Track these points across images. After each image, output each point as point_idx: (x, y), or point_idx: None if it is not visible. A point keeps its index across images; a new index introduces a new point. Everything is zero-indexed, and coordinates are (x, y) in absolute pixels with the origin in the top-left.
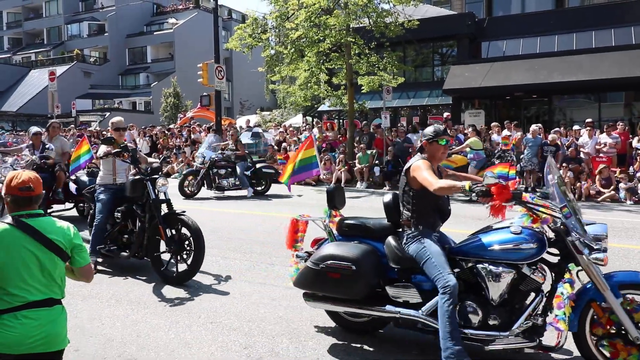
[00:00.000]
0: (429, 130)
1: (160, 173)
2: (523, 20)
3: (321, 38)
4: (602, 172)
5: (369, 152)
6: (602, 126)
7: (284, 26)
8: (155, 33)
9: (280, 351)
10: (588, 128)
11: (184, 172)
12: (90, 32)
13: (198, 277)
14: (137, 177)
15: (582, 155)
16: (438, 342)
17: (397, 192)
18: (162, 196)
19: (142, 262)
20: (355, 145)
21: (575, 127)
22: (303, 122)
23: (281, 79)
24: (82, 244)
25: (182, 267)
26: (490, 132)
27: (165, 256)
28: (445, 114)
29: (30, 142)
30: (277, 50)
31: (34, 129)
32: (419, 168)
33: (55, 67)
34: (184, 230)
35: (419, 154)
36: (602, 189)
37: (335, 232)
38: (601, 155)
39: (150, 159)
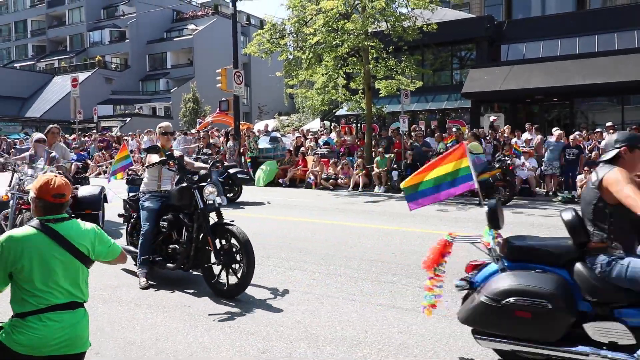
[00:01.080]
0: (625, 135)
1: (208, 180)
2: (543, 23)
3: (339, 43)
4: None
5: (387, 156)
6: (625, 129)
7: (302, 31)
8: (175, 39)
9: (298, 356)
10: (610, 131)
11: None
12: (111, 39)
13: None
14: (184, 184)
15: None
16: None
17: (576, 207)
18: (210, 204)
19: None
20: (373, 149)
21: (597, 129)
22: (321, 127)
23: (299, 84)
24: (106, 238)
25: (232, 279)
26: (505, 135)
27: (216, 268)
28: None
29: (33, 150)
30: (295, 55)
31: (37, 135)
32: (618, 181)
33: (77, 74)
34: (233, 241)
35: (606, 164)
36: None
37: (499, 255)
38: None
39: (197, 164)
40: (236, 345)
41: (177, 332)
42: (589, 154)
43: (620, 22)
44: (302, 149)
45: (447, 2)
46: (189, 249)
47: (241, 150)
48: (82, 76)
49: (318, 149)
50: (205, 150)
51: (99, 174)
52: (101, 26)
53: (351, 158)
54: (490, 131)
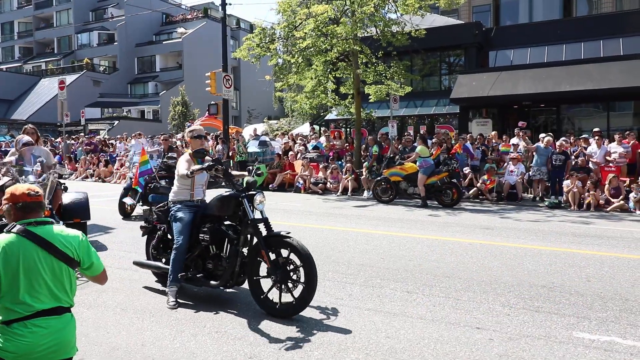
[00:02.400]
0: None
1: (253, 188)
2: (531, 30)
3: (329, 47)
4: (612, 182)
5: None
6: (610, 135)
7: (293, 35)
8: (164, 42)
9: None
10: (596, 137)
11: (124, 187)
12: (100, 42)
13: (203, 287)
14: (228, 193)
15: (590, 164)
16: None
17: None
18: (258, 215)
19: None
20: (362, 154)
21: (583, 135)
22: (310, 131)
23: (288, 87)
24: (92, 251)
25: (285, 297)
26: (493, 141)
27: (265, 282)
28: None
29: (18, 154)
30: (285, 60)
31: (24, 138)
32: None
33: (65, 76)
34: (292, 256)
35: None
36: (611, 199)
37: None
38: (610, 164)
39: (237, 172)
40: (223, 351)
41: (163, 338)
42: (575, 160)
43: (606, 29)
44: (290, 153)
45: (436, 8)
46: (234, 264)
47: (230, 154)
48: (69, 78)
49: (307, 153)
50: (170, 154)
51: (86, 177)
52: (89, 28)
53: (340, 162)
54: (478, 136)
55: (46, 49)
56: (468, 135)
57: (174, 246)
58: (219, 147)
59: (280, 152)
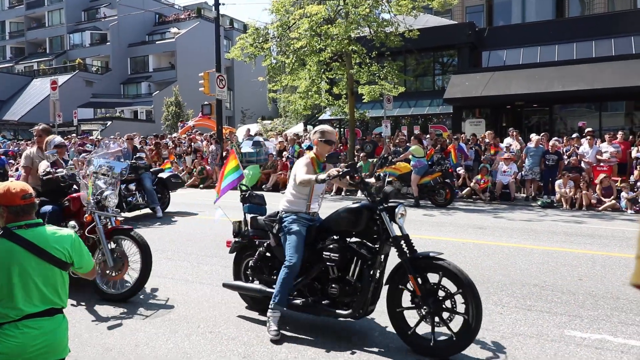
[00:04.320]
0: None
1: (388, 200)
2: (523, 30)
3: (322, 47)
4: (603, 182)
5: (370, 160)
6: (602, 135)
7: (286, 35)
8: (157, 42)
9: None
10: (588, 137)
11: None
12: (92, 42)
13: (196, 286)
14: (360, 204)
15: (582, 164)
16: None
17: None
18: (397, 231)
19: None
20: (356, 154)
21: (574, 135)
22: (304, 131)
23: (282, 88)
24: (85, 251)
25: (439, 329)
26: (487, 141)
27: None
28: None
29: (52, 157)
30: (279, 60)
31: (56, 139)
32: None
33: (57, 76)
34: (445, 281)
35: None
36: (602, 198)
37: None
38: (602, 164)
39: (370, 180)
40: (217, 351)
41: (157, 338)
42: (568, 159)
43: (598, 30)
44: (284, 153)
45: (429, 9)
46: (367, 290)
47: (223, 154)
48: (61, 79)
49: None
50: (139, 154)
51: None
52: (81, 28)
53: None
54: (472, 136)
55: (38, 49)
56: (462, 135)
57: (286, 264)
58: (213, 147)
59: (274, 153)
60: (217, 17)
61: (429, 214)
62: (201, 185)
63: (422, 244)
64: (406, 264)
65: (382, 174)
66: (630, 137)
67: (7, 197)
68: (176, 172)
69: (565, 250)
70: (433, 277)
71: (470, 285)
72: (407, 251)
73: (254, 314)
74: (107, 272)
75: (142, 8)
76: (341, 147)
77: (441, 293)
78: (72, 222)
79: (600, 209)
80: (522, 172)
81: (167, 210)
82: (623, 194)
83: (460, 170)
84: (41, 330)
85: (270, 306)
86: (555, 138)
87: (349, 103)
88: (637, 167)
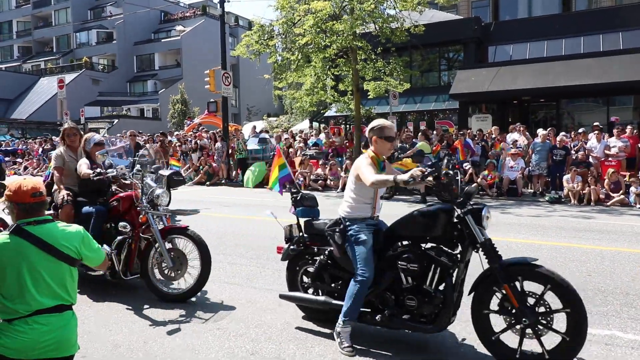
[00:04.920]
0: None
1: (470, 200)
2: (530, 24)
3: (328, 44)
4: (611, 177)
5: None
6: (610, 130)
7: (292, 32)
8: (162, 40)
9: (287, 356)
10: (596, 132)
11: None
12: (98, 40)
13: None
14: (438, 206)
15: (590, 159)
16: None
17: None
18: (479, 237)
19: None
20: (362, 150)
21: (580, 130)
22: (309, 128)
23: (287, 85)
24: (94, 245)
25: (529, 341)
26: (493, 136)
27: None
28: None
29: (88, 155)
30: (284, 57)
31: (95, 137)
32: None
33: (64, 75)
34: (549, 296)
35: None
36: (611, 193)
37: None
38: (610, 159)
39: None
40: (225, 347)
41: (165, 335)
42: (576, 154)
43: (605, 24)
44: (291, 150)
45: (434, 4)
46: (451, 301)
47: (229, 152)
48: (68, 77)
49: (307, 150)
50: (142, 152)
51: None
52: (88, 27)
53: (340, 159)
54: (478, 132)
55: (45, 48)
56: (468, 131)
57: (359, 279)
58: (218, 144)
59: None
60: (222, 14)
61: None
62: (207, 183)
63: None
64: (498, 272)
65: (450, 172)
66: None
67: (18, 194)
68: (179, 170)
69: (573, 245)
70: (528, 285)
71: (581, 304)
72: (491, 257)
73: (260, 311)
74: (166, 272)
75: (148, 6)
76: (347, 144)
77: (541, 307)
78: (123, 223)
79: (608, 204)
80: (530, 168)
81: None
82: (632, 188)
83: (467, 166)
84: (50, 327)
85: (339, 322)
86: (563, 133)
87: (354, 99)
88: None
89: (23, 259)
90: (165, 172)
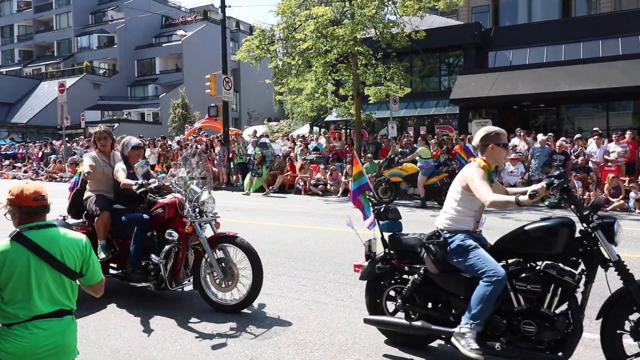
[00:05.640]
0: None
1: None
2: (530, 30)
3: (328, 49)
4: (611, 182)
5: (376, 161)
6: (610, 135)
7: (293, 37)
8: (163, 45)
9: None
10: (595, 137)
11: None
12: (99, 44)
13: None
14: (559, 221)
15: (590, 164)
16: None
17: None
18: (612, 255)
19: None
20: (362, 155)
21: (577, 135)
22: (310, 133)
23: (288, 90)
24: (94, 259)
25: None
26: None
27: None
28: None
29: (124, 161)
30: (285, 62)
31: (133, 140)
32: None
33: (64, 79)
34: None
35: None
36: (611, 198)
37: None
38: (610, 164)
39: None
40: (224, 352)
41: (164, 340)
42: (576, 160)
43: (605, 29)
44: (291, 154)
45: (435, 10)
46: (580, 327)
47: (230, 156)
48: (69, 82)
49: (307, 154)
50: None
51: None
52: (89, 31)
53: (340, 164)
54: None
55: (46, 52)
56: (468, 136)
57: (492, 279)
58: (218, 149)
59: (281, 154)
60: (223, 19)
61: (436, 215)
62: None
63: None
64: (636, 293)
65: (555, 181)
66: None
67: (21, 198)
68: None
69: None
70: None
71: None
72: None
73: (254, 313)
74: (218, 283)
75: (149, 11)
76: (347, 149)
77: None
78: (170, 231)
79: (608, 209)
80: (529, 173)
81: None
82: (632, 194)
83: None
84: (50, 332)
85: (465, 325)
86: (563, 138)
87: (355, 104)
88: None
89: (24, 266)
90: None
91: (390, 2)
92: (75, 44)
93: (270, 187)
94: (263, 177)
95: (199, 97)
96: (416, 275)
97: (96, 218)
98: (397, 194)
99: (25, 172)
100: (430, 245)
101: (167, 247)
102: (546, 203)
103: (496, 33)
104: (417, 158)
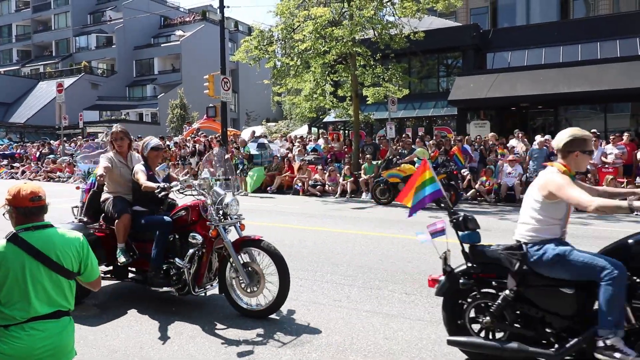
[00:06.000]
0: None
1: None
2: (528, 32)
3: (327, 49)
4: (609, 184)
5: (374, 162)
6: (608, 137)
7: (291, 37)
8: (162, 45)
9: None
10: (593, 139)
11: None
12: (98, 44)
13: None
14: None
15: (588, 166)
16: None
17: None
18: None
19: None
20: (361, 156)
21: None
22: (308, 133)
23: (287, 91)
24: (91, 258)
25: None
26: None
27: None
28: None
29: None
30: (283, 62)
31: (153, 141)
32: None
33: (63, 79)
34: None
35: None
36: None
37: None
38: (607, 166)
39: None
40: (222, 352)
41: (162, 340)
42: None
43: (603, 31)
44: (289, 155)
45: (434, 11)
46: None
47: (229, 157)
48: (67, 81)
49: (305, 155)
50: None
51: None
52: (87, 31)
53: (338, 165)
54: (477, 137)
55: (44, 52)
56: (466, 137)
57: (612, 277)
58: (216, 149)
59: (279, 155)
60: (222, 19)
61: (434, 216)
62: None
63: (426, 245)
64: None
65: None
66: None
67: (17, 198)
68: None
69: None
70: None
71: None
72: None
73: (248, 319)
74: (243, 288)
75: (148, 11)
76: (345, 149)
77: None
78: (194, 234)
79: None
80: (527, 174)
81: None
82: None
83: (466, 172)
84: (47, 333)
85: (606, 336)
86: None
87: (353, 105)
88: None
89: (20, 267)
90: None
91: (389, 4)
92: (74, 44)
93: (269, 188)
94: (254, 176)
95: (197, 98)
96: (508, 291)
97: (116, 221)
98: (395, 195)
99: (23, 172)
100: (511, 259)
101: (191, 250)
102: None
103: (494, 34)
104: (415, 159)
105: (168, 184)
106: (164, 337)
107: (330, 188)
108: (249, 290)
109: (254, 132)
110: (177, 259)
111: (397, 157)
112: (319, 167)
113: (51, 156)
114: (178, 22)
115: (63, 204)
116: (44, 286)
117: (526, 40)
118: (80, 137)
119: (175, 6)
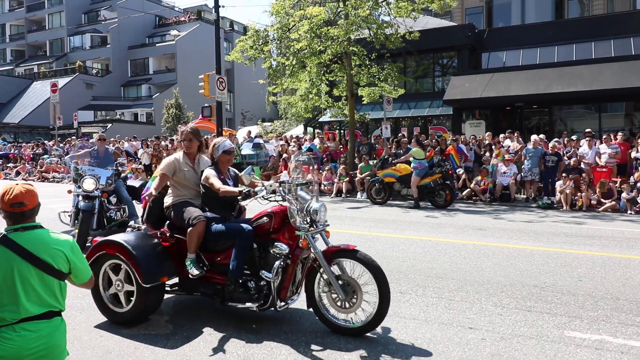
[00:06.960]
0: None
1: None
2: (523, 31)
3: (322, 49)
4: (603, 186)
5: (371, 162)
6: (602, 136)
7: (287, 37)
8: (157, 45)
9: None
10: (587, 138)
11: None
12: (92, 44)
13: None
14: None
15: (582, 165)
16: None
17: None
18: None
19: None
20: (356, 155)
21: (573, 137)
22: (304, 133)
23: (282, 91)
24: (81, 259)
25: None
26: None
27: None
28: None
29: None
30: (279, 62)
31: (226, 143)
32: None
33: (57, 79)
34: None
35: None
36: (602, 199)
37: None
38: (601, 165)
39: None
40: (217, 353)
41: (156, 341)
42: (568, 161)
43: (598, 31)
44: (285, 155)
45: (429, 11)
46: None
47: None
48: (62, 81)
49: (299, 155)
50: (121, 160)
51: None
52: (82, 31)
53: (334, 164)
54: (472, 137)
55: (38, 52)
56: (461, 137)
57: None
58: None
59: (274, 154)
60: (217, 19)
61: (429, 215)
62: None
63: (422, 245)
64: None
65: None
66: (629, 138)
67: (2, 202)
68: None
69: (565, 251)
70: None
71: None
72: None
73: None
74: (339, 304)
75: (143, 11)
76: (341, 149)
77: None
78: (279, 244)
79: (600, 209)
80: (522, 174)
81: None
82: (623, 194)
83: (461, 172)
84: (39, 333)
85: None
86: (556, 139)
87: (348, 105)
88: (638, 167)
89: (13, 266)
90: (136, 183)
91: (384, 3)
92: (68, 44)
93: None
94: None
95: (192, 98)
96: None
97: (190, 228)
98: (390, 195)
99: (18, 172)
100: None
101: (277, 262)
102: (539, 204)
103: (490, 34)
104: (411, 159)
105: (252, 189)
106: (158, 338)
107: (325, 187)
108: (346, 305)
109: (249, 132)
110: (263, 272)
111: (393, 156)
112: (315, 166)
113: (46, 156)
114: (173, 22)
115: (60, 204)
116: (33, 287)
117: (521, 40)
118: (74, 137)
119: (170, 6)
